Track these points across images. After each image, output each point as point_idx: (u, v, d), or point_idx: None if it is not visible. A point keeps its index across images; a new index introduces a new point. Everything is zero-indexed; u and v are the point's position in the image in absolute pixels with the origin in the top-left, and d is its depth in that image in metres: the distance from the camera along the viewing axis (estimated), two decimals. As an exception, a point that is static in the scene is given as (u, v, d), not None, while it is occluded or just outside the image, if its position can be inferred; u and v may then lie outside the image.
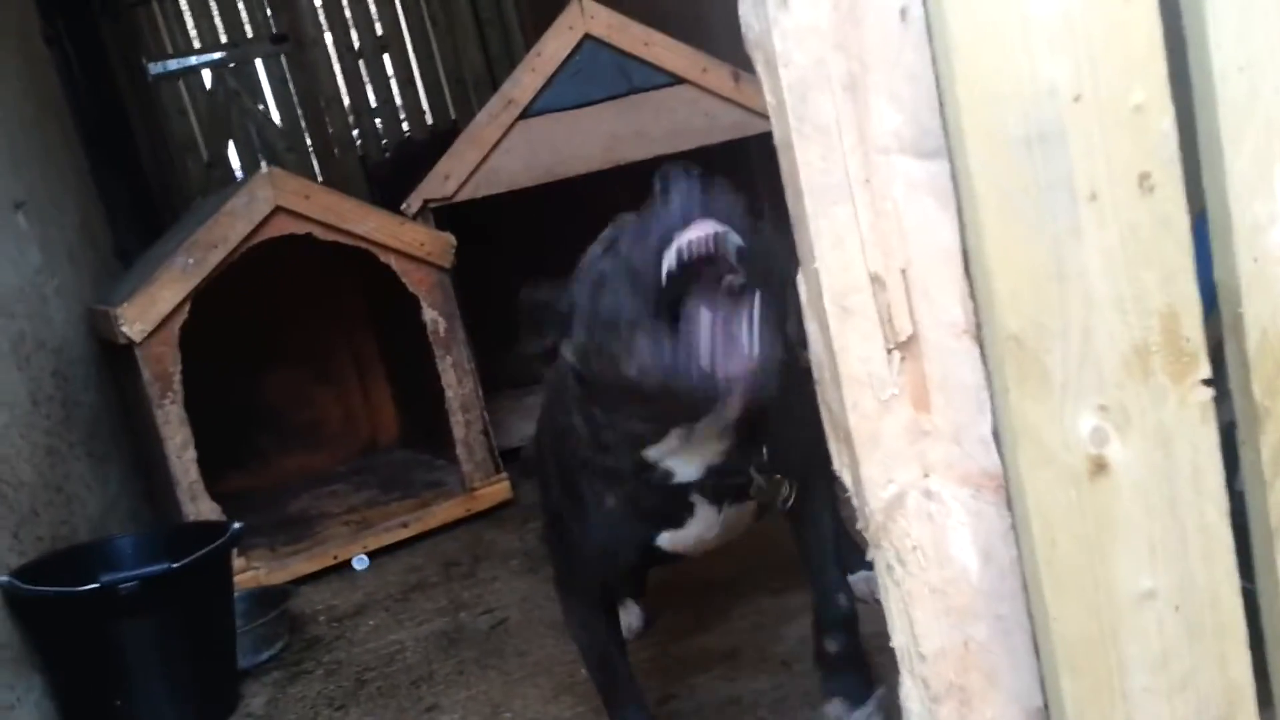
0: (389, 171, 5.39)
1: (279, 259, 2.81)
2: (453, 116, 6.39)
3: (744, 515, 1.51)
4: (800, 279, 0.81)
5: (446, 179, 3.02)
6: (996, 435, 0.80)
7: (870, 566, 2.03)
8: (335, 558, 2.88)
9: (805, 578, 1.72)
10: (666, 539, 1.49)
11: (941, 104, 0.74)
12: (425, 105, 6.55)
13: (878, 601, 1.74)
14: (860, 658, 1.66)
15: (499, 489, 3.05)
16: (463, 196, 3.04)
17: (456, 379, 2.98)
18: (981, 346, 0.78)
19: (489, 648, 2.31)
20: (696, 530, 1.49)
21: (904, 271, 0.76)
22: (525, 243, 3.80)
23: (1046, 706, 0.85)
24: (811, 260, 0.76)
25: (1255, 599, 0.85)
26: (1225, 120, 0.78)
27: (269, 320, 3.42)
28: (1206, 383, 0.81)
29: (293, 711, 2.21)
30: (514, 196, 3.09)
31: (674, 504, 1.44)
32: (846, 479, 0.83)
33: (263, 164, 3.68)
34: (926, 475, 0.80)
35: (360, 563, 2.89)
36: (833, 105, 0.74)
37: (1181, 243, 0.78)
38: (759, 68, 0.76)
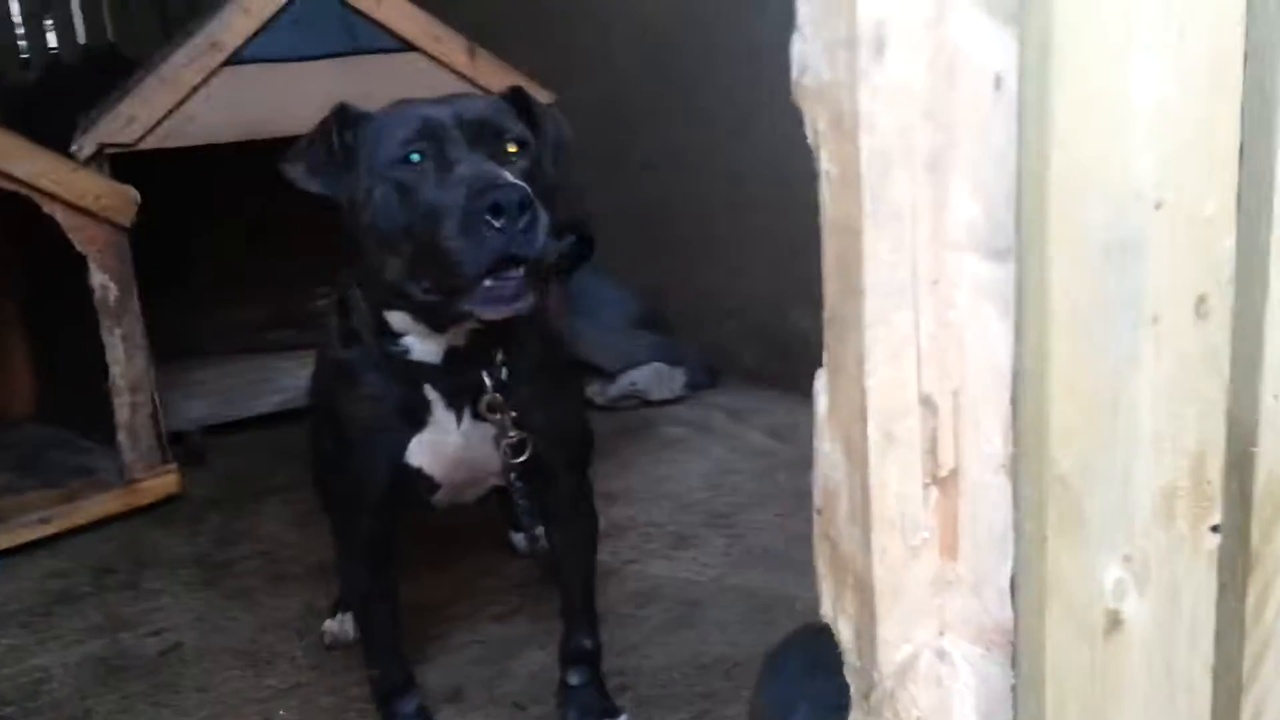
0: (34, 97, 4.63)
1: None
2: (110, 38, 5.63)
3: (487, 450, 1.51)
4: (819, 387, 0.65)
5: (131, 122, 2.58)
6: (1013, 587, 0.68)
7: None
8: (-42, 560, 2.40)
9: (559, 600, 1.75)
10: (415, 451, 1.51)
11: (1020, 195, 0.61)
12: (79, 22, 5.73)
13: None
14: (600, 689, 1.73)
15: (166, 481, 2.68)
16: (149, 144, 2.62)
17: (125, 354, 2.57)
18: (1015, 484, 0.66)
19: (161, 679, 1.98)
20: (442, 443, 1.51)
21: (955, 394, 0.62)
22: (208, 202, 3.39)
23: None
24: (858, 375, 0.60)
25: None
26: (1277, 241, 0.69)
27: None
28: (1213, 529, 0.73)
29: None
30: (205, 150, 2.69)
31: (414, 398, 1.48)
32: (845, 632, 0.68)
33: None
34: (942, 633, 0.67)
35: (-14, 562, 2.42)
36: (912, 186, 0.58)
37: (1222, 376, 0.69)
38: (819, 125, 0.59)
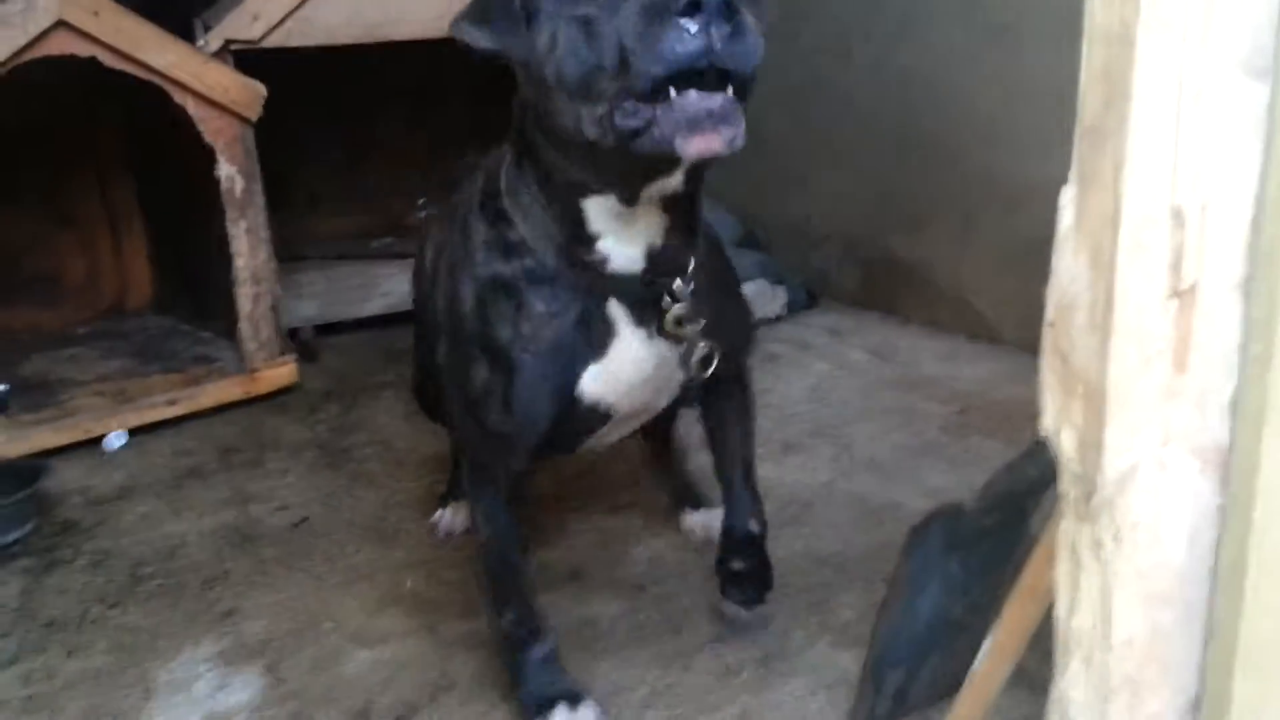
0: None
1: (29, 80, 2.35)
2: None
3: (668, 369, 1.39)
4: (1065, 201, 0.68)
5: (256, 19, 2.64)
6: (1234, 406, 0.71)
7: (699, 506, 2.03)
8: (88, 432, 2.50)
9: (718, 482, 1.70)
10: (591, 379, 1.36)
11: (1282, 17, 0.63)
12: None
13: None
14: (765, 572, 1.70)
15: (284, 372, 2.76)
16: (271, 43, 2.67)
17: (249, 247, 2.65)
18: (1246, 304, 0.68)
19: (293, 548, 2.06)
20: (623, 368, 1.37)
21: (1204, 209, 0.65)
22: (322, 109, 3.45)
23: (1198, 700, 0.77)
24: (1114, 183, 0.63)
25: None
26: None
27: (2, 150, 2.91)
28: None
29: (55, 605, 1.89)
30: (315, 56, 2.74)
31: (596, 316, 1.34)
32: (1069, 442, 0.71)
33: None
34: (1165, 444, 0.69)
35: (119, 439, 2.53)
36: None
37: None
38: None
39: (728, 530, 1.67)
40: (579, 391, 1.36)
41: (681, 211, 1.31)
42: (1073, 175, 0.67)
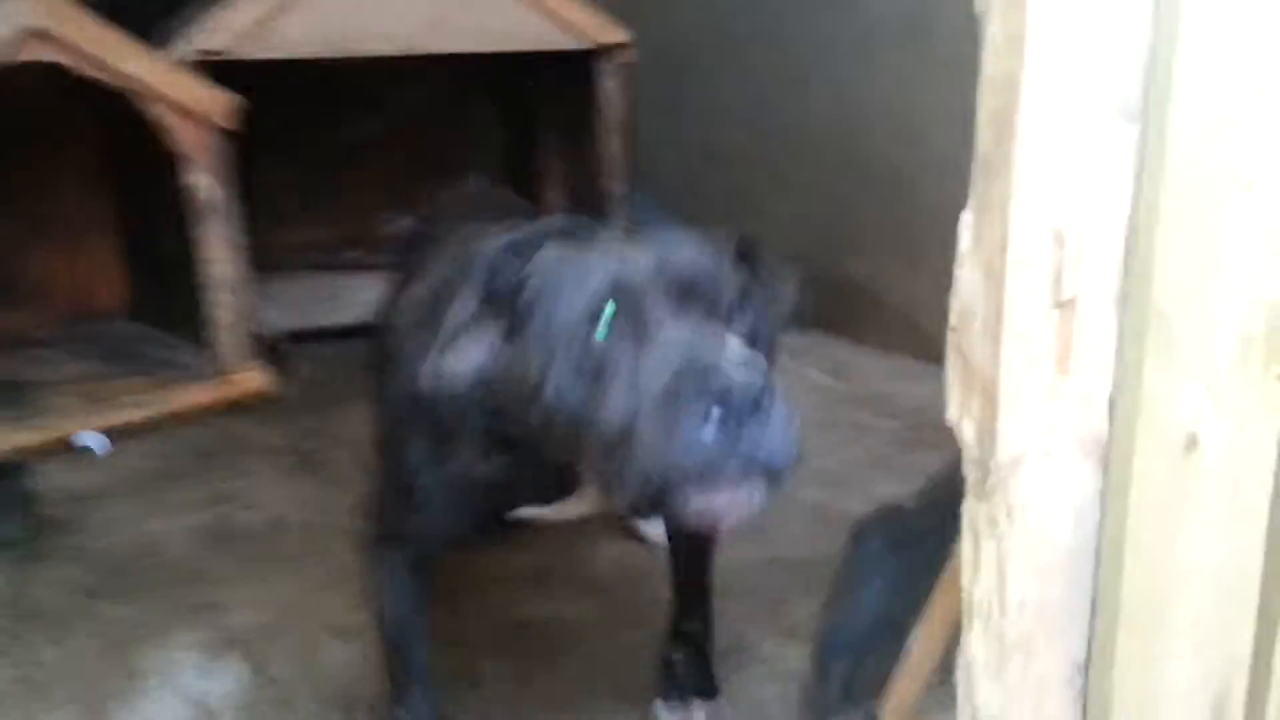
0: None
1: (1, 86, 2.43)
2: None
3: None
4: (965, 223, 0.79)
5: (219, 30, 2.72)
6: (1111, 403, 0.82)
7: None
8: (61, 433, 2.57)
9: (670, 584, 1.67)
10: (529, 511, 1.37)
11: (1152, 69, 0.75)
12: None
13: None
14: (705, 667, 1.66)
15: (255, 378, 2.85)
16: (233, 55, 2.75)
17: (221, 254, 2.73)
18: (1121, 315, 0.80)
19: (269, 548, 2.15)
20: (564, 506, 1.35)
21: (1081, 232, 0.76)
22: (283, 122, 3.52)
23: (1087, 661, 0.89)
24: (1003, 211, 0.75)
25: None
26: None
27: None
28: (1280, 376, 0.86)
29: (41, 595, 1.96)
30: (283, 70, 2.82)
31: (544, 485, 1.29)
32: (969, 431, 0.82)
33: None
34: (1051, 435, 0.81)
35: (91, 440, 2.59)
36: (1069, 49, 0.72)
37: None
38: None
39: (673, 625, 1.66)
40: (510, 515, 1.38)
41: None
42: (970, 203, 0.79)
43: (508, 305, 1.11)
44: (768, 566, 2.00)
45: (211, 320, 2.76)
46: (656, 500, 0.98)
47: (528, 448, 1.15)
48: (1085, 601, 0.87)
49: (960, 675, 0.89)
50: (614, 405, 0.99)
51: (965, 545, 0.86)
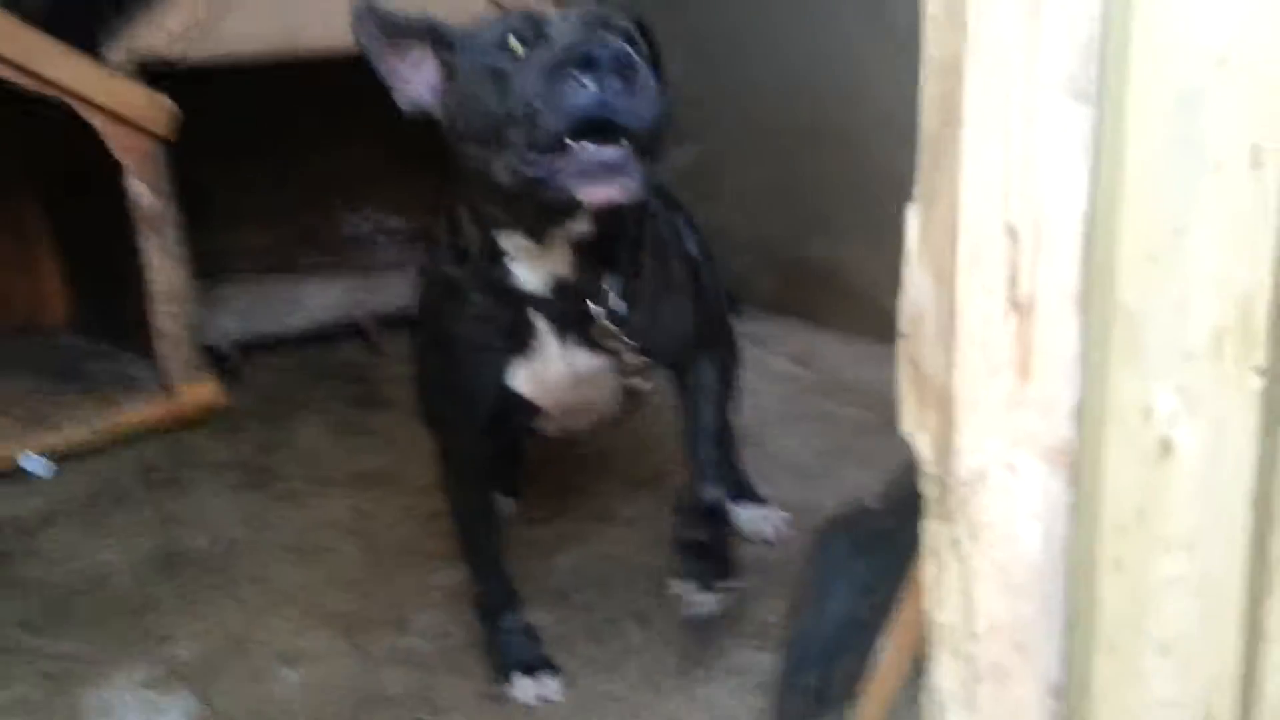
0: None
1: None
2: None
3: (598, 375, 1.48)
4: (911, 218, 0.72)
5: (159, 30, 2.58)
6: (1079, 409, 0.75)
7: (761, 502, 2.08)
8: (4, 455, 2.46)
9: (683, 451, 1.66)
10: (521, 378, 1.47)
11: (1105, 44, 0.67)
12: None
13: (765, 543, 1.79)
14: (723, 550, 1.63)
15: (205, 390, 2.73)
16: (175, 55, 2.63)
17: (164, 264, 2.62)
18: (1084, 315, 0.73)
19: (217, 571, 2.06)
20: (548, 370, 1.47)
21: (1036, 226, 0.69)
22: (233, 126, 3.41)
23: (1063, 685, 0.82)
24: (951, 203, 0.67)
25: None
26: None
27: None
28: (1257, 370, 0.80)
29: (-23, 636, 1.87)
30: (231, 74, 2.72)
31: (520, 322, 1.44)
32: (924, 445, 0.75)
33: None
34: (1013, 447, 0.74)
35: (34, 464, 2.49)
36: (1013, 24, 0.65)
37: (1271, 225, 0.76)
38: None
39: (684, 496, 1.64)
40: (508, 386, 1.48)
41: (592, 249, 1.39)
42: (916, 193, 0.72)
43: (448, 48, 1.36)
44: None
45: (157, 332, 2.66)
46: (550, 177, 1.19)
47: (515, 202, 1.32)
48: (1059, 622, 0.80)
49: (927, 706, 0.83)
50: (515, 90, 1.21)
51: (927, 568, 0.79)
